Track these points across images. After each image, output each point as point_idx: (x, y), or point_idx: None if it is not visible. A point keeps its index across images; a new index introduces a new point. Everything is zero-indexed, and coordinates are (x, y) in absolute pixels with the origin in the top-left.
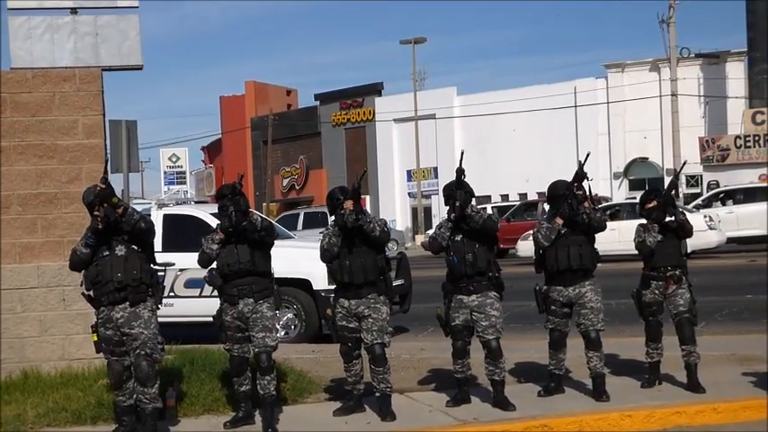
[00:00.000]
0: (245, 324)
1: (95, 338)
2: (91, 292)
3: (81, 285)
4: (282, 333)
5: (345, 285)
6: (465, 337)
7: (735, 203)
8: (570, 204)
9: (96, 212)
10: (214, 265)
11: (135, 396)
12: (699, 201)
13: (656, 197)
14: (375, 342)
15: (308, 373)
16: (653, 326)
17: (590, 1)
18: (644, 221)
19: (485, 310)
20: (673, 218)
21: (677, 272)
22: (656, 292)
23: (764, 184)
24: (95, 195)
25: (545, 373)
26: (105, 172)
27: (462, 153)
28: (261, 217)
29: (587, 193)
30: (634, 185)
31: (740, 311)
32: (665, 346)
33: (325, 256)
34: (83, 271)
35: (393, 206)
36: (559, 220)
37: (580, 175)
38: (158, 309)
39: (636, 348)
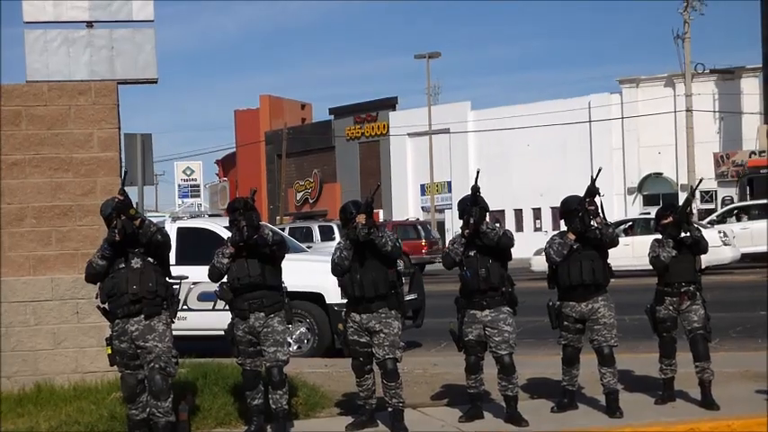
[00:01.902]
0: (257, 338)
1: (109, 351)
2: (106, 305)
3: (96, 298)
4: (295, 347)
5: (356, 299)
6: (478, 352)
7: (749, 219)
8: (582, 219)
9: (114, 224)
10: (225, 279)
11: (148, 410)
12: (713, 216)
13: (673, 213)
14: (387, 357)
15: (321, 388)
16: (667, 342)
17: (604, 13)
18: (659, 236)
19: (498, 326)
20: (688, 234)
21: (691, 288)
22: (671, 307)
23: None
24: (113, 207)
25: (558, 389)
26: (123, 183)
27: (478, 172)
28: (272, 231)
29: (599, 209)
30: (648, 201)
31: (754, 328)
32: (678, 363)
33: (337, 269)
34: (98, 283)
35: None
36: (571, 236)
37: (592, 191)
38: (173, 322)
39: (649, 365)
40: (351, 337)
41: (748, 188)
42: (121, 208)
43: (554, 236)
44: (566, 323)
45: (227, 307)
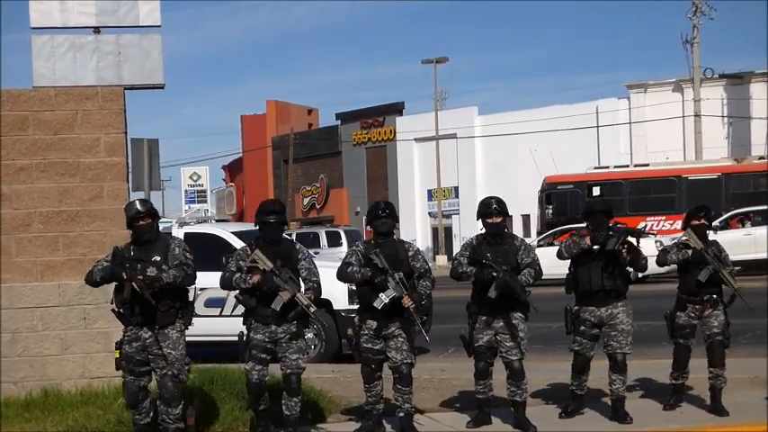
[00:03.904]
0: (275, 345)
1: (118, 355)
2: (121, 310)
3: (111, 303)
4: None
5: (373, 306)
6: (488, 358)
7: (753, 225)
8: (611, 237)
9: (138, 280)
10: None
11: (152, 414)
12: (717, 222)
13: (705, 215)
14: (404, 362)
15: (328, 393)
16: (682, 350)
17: (613, 20)
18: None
19: (510, 331)
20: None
21: (714, 295)
22: (692, 314)
23: None
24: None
25: (566, 395)
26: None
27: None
28: (308, 261)
29: (636, 244)
30: None
31: (764, 334)
32: (692, 368)
33: (346, 280)
34: (113, 291)
35: (413, 226)
36: (588, 240)
37: (639, 233)
38: (187, 329)
39: (658, 370)
40: (364, 345)
41: (546, 204)
42: (151, 281)
43: (573, 234)
44: (582, 328)
45: (233, 313)
